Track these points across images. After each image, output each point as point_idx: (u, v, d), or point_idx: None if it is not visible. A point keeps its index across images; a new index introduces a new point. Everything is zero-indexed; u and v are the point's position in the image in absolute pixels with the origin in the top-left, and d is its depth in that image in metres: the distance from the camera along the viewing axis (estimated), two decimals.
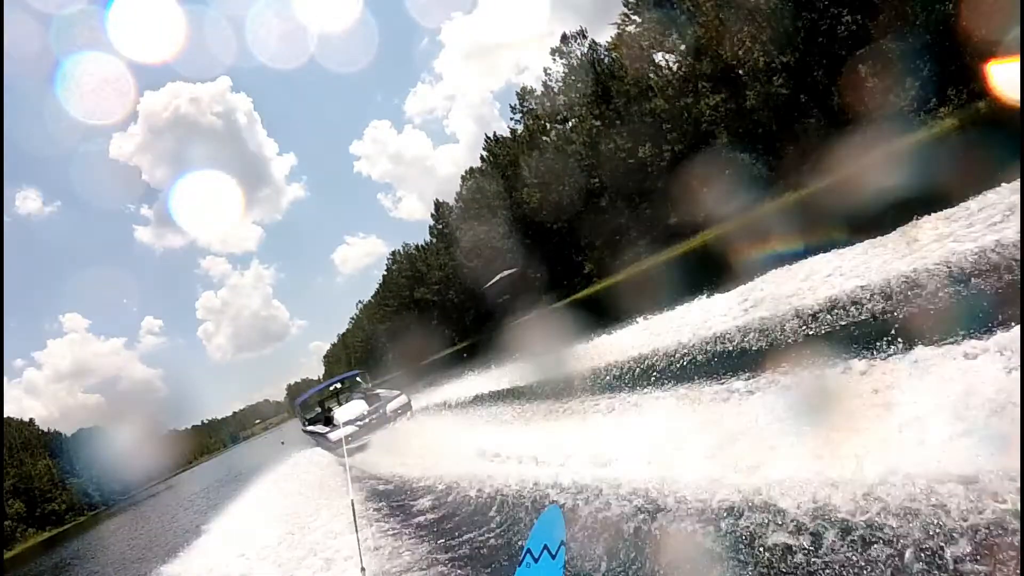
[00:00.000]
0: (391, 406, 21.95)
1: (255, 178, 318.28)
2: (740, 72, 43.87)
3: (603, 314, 21.84)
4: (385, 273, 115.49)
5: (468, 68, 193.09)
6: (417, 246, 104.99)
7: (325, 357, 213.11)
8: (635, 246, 50.88)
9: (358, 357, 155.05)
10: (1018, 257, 6.60)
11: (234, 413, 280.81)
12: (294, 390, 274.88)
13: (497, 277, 73.92)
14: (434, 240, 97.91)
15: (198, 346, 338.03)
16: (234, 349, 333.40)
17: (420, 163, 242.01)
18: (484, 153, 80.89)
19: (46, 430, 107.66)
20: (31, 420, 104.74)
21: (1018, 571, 3.81)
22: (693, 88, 47.32)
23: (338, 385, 28.67)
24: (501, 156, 74.23)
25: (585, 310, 41.82)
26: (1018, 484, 4.22)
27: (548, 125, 65.64)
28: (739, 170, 42.90)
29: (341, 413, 22.02)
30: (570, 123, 63.20)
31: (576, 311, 46.96)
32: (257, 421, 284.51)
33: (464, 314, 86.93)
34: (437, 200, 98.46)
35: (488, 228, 77.80)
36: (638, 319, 13.99)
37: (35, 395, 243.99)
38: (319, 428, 23.15)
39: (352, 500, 7.25)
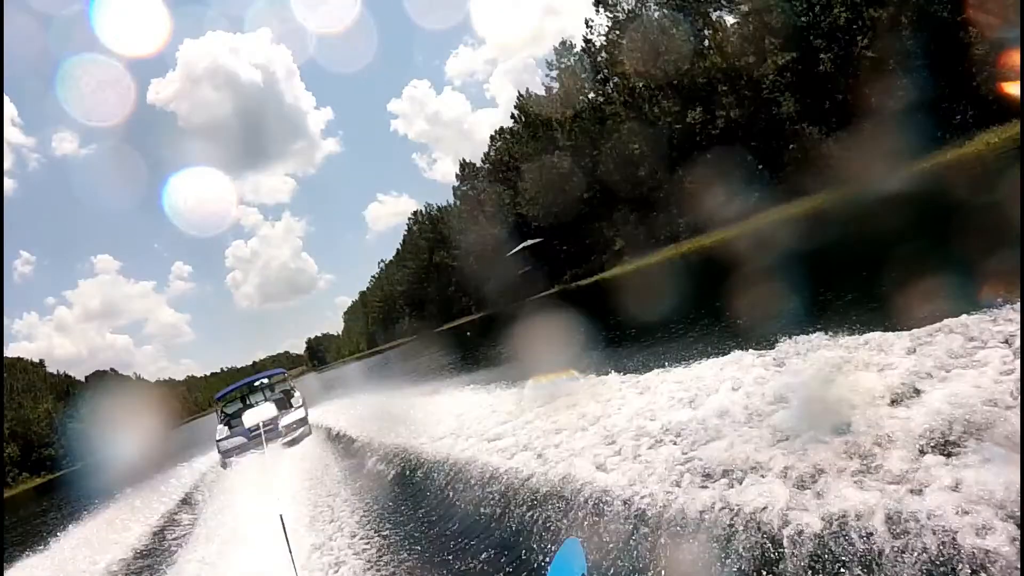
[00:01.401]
0: (285, 420, 19.29)
1: (290, 130, 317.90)
2: (814, 32, 37.79)
3: (626, 315, 19.40)
4: (406, 233, 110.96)
5: (512, 33, 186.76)
6: (440, 207, 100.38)
7: (345, 314, 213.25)
8: (674, 225, 45.34)
9: (375, 317, 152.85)
10: None
11: (254, 363, 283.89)
12: (314, 344, 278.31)
13: (520, 246, 68.91)
14: (458, 202, 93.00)
15: (225, 294, 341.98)
16: (261, 299, 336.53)
17: (457, 125, 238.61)
18: (515, 112, 75.27)
19: (54, 372, 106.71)
20: (40, 361, 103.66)
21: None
22: (757, 46, 41.22)
23: (264, 380, 25.68)
24: (533, 116, 68.52)
25: (610, 297, 36.90)
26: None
27: (586, 85, 59.68)
28: (807, 146, 37.09)
29: (249, 416, 19.67)
30: (611, 83, 57.17)
31: (598, 298, 41.91)
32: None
33: (483, 283, 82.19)
34: (463, 160, 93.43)
35: (514, 193, 72.63)
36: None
37: (64, 333, 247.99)
38: (220, 428, 20.52)
39: (281, 515, 6.46)
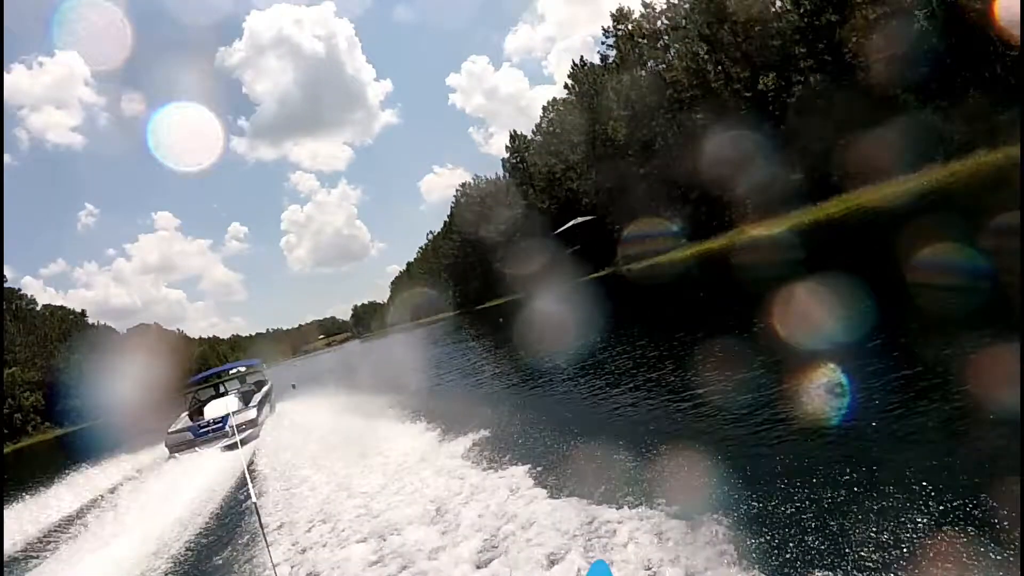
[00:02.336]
0: (235, 419, 17.54)
1: (350, 101, 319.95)
2: None
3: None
4: (453, 205, 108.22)
5: (571, 11, 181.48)
6: (489, 180, 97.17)
7: (392, 284, 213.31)
8: (740, 207, 41.15)
9: (419, 290, 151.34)
10: None
11: (300, 326, 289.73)
12: (360, 311, 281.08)
13: (570, 223, 65.37)
14: (507, 175, 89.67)
15: (279, 256, 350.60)
16: (313, 263, 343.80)
17: (514, 101, 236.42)
18: (569, 81, 71.13)
19: (94, 323, 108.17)
20: (83, 312, 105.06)
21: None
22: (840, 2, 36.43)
23: (241, 369, 25.25)
24: (587, 85, 64.40)
25: (659, 285, 33.43)
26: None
27: (645, 51, 55.11)
28: (905, 120, 32.18)
29: (211, 408, 18.71)
30: (672, 49, 52.53)
31: (646, 285, 38.46)
32: (320, 336, 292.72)
33: (529, 261, 79.04)
34: (513, 131, 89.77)
35: (566, 166, 68.98)
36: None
37: (122, 283, 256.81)
38: (180, 418, 19.42)
39: (255, 504, 6.43)
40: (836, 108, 35.41)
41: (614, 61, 57.18)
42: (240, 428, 16.69)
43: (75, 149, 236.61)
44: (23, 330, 78.26)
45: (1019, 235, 8.02)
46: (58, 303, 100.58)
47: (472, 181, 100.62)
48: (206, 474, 13.85)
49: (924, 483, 4.95)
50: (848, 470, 5.57)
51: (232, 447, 15.47)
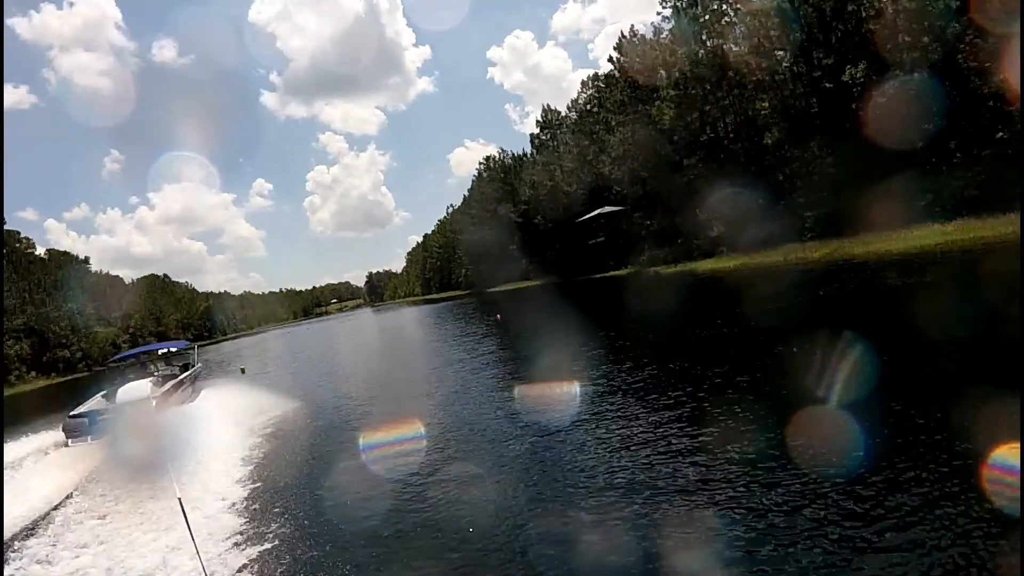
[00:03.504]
0: (130, 395, 16.72)
1: (386, 64, 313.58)
2: None
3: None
4: (475, 178, 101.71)
5: None
6: (515, 156, 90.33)
7: (409, 254, 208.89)
8: (800, 217, 33.93)
9: (433, 263, 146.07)
10: None
11: (313, 287, 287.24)
12: (374, 279, 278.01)
13: (596, 212, 58.53)
14: (535, 152, 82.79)
15: (302, 216, 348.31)
16: (335, 226, 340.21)
17: (555, 82, 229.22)
18: (614, 54, 63.67)
19: (97, 271, 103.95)
20: (86, 259, 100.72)
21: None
22: None
23: (172, 349, 24.08)
24: (635, 59, 56.99)
25: (693, 295, 26.87)
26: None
27: (705, 33, 47.39)
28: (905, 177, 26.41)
29: (124, 391, 17.22)
30: (740, 27, 45.01)
31: (676, 292, 32.07)
32: (334, 300, 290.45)
33: (548, 246, 72.45)
34: (546, 106, 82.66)
35: (599, 148, 61.96)
36: None
37: (143, 232, 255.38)
38: (93, 399, 17.58)
39: (180, 499, 6.45)
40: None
41: (670, 33, 49.62)
42: (133, 414, 15.63)
43: (103, 93, 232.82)
44: (15, 275, 73.43)
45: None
46: (80, 248, 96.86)
47: (497, 155, 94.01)
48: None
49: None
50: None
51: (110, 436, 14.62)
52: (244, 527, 8.31)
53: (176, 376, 20.13)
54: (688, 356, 13.82)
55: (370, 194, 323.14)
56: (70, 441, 15.36)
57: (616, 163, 55.52)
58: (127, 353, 24.04)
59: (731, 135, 42.58)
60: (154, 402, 16.37)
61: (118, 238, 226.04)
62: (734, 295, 22.21)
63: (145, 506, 9.41)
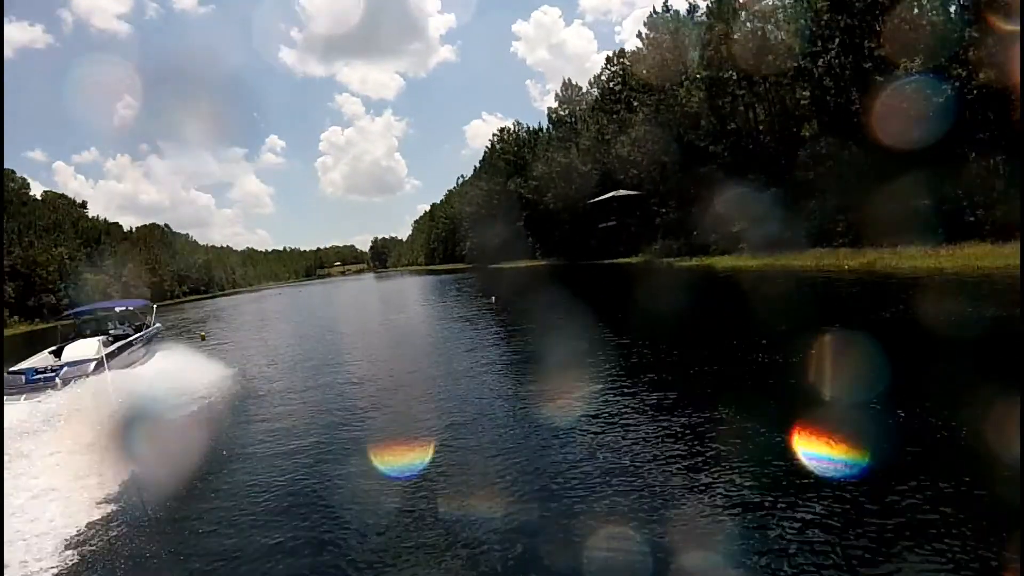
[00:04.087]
0: (76, 353, 15.82)
1: (409, 29, 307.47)
2: None
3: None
4: (487, 149, 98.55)
5: None
6: (530, 129, 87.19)
7: (415, 223, 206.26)
8: (831, 221, 31.07)
9: (438, 234, 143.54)
10: None
11: (318, 249, 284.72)
12: (379, 245, 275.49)
13: (610, 194, 55.75)
14: (550, 127, 79.69)
15: (312, 176, 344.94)
16: (345, 189, 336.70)
17: (579, 61, 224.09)
18: (643, 30, 60.26)
19: (94, 216, 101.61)
20: (83, 203, 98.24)
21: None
22: None
23: (129, 308, 22.88)
24: (666, 36, 53.66)
25: (703, 293, 24.42)
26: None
27: (744, 13, 43.85)
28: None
29: (72, 348, 16.30)
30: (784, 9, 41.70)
31: (685, 289, 29.59)
32: (337, 263, 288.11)
33: (556, 226, 69.76)
34: (567, 79, 79.35)
35: (618, 128, 58.97)
36: None
37: (152, 180, 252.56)
38: (39, 356, 16.80)
39: None
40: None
41: (708, 8, 46.28)
42: (69, 373, 14.93)
43: (119, 38, 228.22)
44: (4, 216, 71.08)
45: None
46: (87, 192, 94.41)
47: (512, 127, 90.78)
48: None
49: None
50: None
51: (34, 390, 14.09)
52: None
53: (127, 336, 19.13)
54: (719, 371, 11.81)
55: (383, 159, 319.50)
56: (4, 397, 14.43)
57: (635, 145, 52.61)
58: (84, 308, 22.66)
59: (762, 126, 39.65)
60: (93, 365, 15.47)
61: (126, 184, 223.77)
62: (768, 301, 19.75)
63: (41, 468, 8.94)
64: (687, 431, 8.32)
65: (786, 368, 10.89)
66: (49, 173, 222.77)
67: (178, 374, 17.45)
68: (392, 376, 14.93)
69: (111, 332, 19.56)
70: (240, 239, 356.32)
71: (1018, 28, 22.60)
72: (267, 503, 7.56)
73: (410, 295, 52.68)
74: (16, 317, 65.87)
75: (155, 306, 24.02)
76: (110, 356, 16.35)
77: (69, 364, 15.51)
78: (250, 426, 11.81)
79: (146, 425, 11.33)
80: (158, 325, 22.43)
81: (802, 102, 34.83)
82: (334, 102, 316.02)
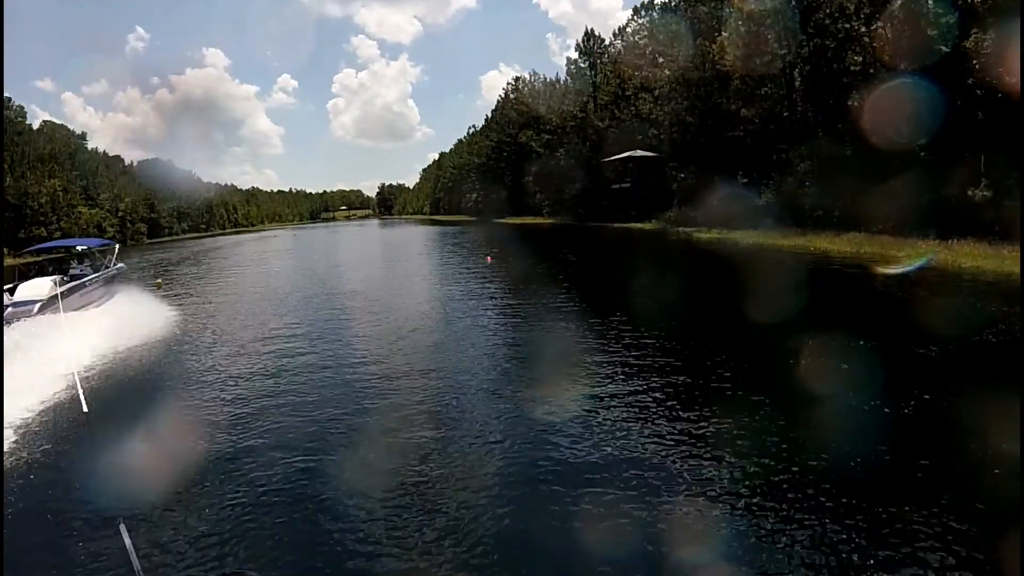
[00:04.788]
0: (28, 292, 15.46)
1: None
2: None
3: None
4: (500, 99, 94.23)
5: None
6: (546, 80, 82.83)
7: (423, 171, 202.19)
8: (887, 202, 27.44)
9: (445, 183, 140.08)
10: None
11: (324, 191, 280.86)
12: (385, 191, 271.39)
13: (626, 154, 52.37)
14: (568, 80, 75.44)
15: (324, 118, 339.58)
16: (356, 133, 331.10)
17: (602, 18, 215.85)
18: None
19: (95, 148, 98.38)
20: (83, 134, 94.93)
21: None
22: None
23: (90, 247, 22.14)
24: None
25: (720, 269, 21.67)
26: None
27: None
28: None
29: (25, 287, 15.84)
30: None
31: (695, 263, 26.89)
32: (343, 207, 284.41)
33: (566, 184, 66.41)
34: (589, 28, 74.86)
35: (642, 85, 55.18)
36: None
37: (161, 115, 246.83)
38: None
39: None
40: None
41: None
42: (19, 313, 14.61)
43: None
44: None
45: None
46: (96, 124, 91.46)
47: (528, 76, 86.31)
48: None
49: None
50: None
51: None
52: None
53: (82, 277, 18.74)
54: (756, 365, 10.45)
55: (395, 105, 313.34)
56: None
57: (659, 103, 48.99)
58: (44, 245, 23.08)
59: (803, 90, 36.07)
60: (38, 305, 15.19)
61: (135, 118, 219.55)
62: (814, 293, 16.87)
63: None
64: (693, 436, 7.49)
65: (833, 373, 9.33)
66: (58, 104, 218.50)
67: (133, 318, 16.74)
68: (354, 355, 12.69)
69: (72, 271, 19.17)
70: (248, 178, 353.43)
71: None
72: (195, 463, 7.10)
73: (412, 246, 51.21)
74: (5, 250, 63.51)
75: (117, 246, 23.34)
76: (64, 296, 15.93)
77: (16, 304, 15.08)
78: (188, 377, 11.41)
79: (84, 372, 10.90)
80: (121, 266, 21.91)
81: (852, 67, 31.19)
82: (349, 44, 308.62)
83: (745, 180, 38.52)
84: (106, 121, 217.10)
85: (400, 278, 27.58)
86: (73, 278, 18.12)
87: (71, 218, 73.74)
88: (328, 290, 23.77)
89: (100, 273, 19.70)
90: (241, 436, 8.02)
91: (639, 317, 13.81)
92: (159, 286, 25.79)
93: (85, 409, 7.98)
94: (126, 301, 19.72)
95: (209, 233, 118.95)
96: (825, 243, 27.16)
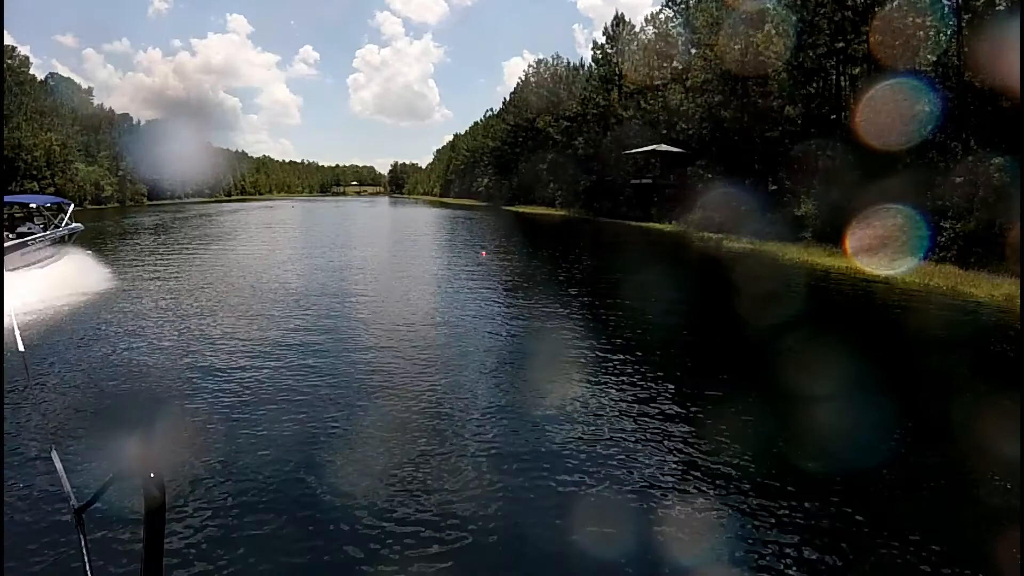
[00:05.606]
0: None
1: None
2: None
3: None
4: (520, 81, 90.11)
5: None
6: (570, 65, 78.67)
7: (436, 152, 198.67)
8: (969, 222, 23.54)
9: (457, 166, 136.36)
10: None
11: (337, 165, 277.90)
12: (397, 170, 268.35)
13: (651, 147, 48.49)
14: (593, 65, 71.26)
15: (343, 92, 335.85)
16: (374, 109, 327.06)
17: (632, 13, 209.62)
18: None
19: (99, 104, 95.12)
20: (89, 89, 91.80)
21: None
22: None
23: (46, 204, 21.56)
24: None
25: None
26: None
27: None
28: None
29: None
30: None
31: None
32: (354, 183, 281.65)
33: (582, 175, 62.57)
34: (619, 12, 70.52)
35: (673, 76, 51.27)
36: None
37: (181, 77, 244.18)
38: None
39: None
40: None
41: None
42: None
43: None
44: None
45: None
46: (115, 82, 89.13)
47: (550, 60, 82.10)
48: None
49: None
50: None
51: None
52: None
53: (30, 234, 18.49)
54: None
55: (416, 84, 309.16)
56: None
57: (691, 94, 45.04)
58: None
59: (856, 86, 32.18)
60: None
61: (154, 79, 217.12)
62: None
63: None
64: None
65: None
66: (79, 59, 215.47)
67: (76, 280, 16.57)
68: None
69: (18, 230, 18.84)
70: (263, 147, 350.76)
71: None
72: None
73: (413, 226, 47.96)
74: None
75: (72, 206, 22.64)
76: (5, 252, 15.62)
77: None
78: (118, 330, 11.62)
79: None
80: (77, 226, 21.28)
81: (923, 68, 27.21)
82: (374, 19, 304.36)
83: (780, 186, 34.73)
84: (125, 80, 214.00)
85: (374, 278, 24.07)
86: (19, 236, 17.86)
87: (66, 174, 70.36)
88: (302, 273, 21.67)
89: (48, 233, 19.10)
90: (166, 375, 8.80)
91: (672, 354, 10.50)
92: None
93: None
94: (79, 261, 19.25)
95: (213, 199, 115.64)
96: (887, 269, 22.89)
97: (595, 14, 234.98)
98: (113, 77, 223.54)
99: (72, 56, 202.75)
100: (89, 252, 21.38)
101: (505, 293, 17.86)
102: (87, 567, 1.15)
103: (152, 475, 0.94)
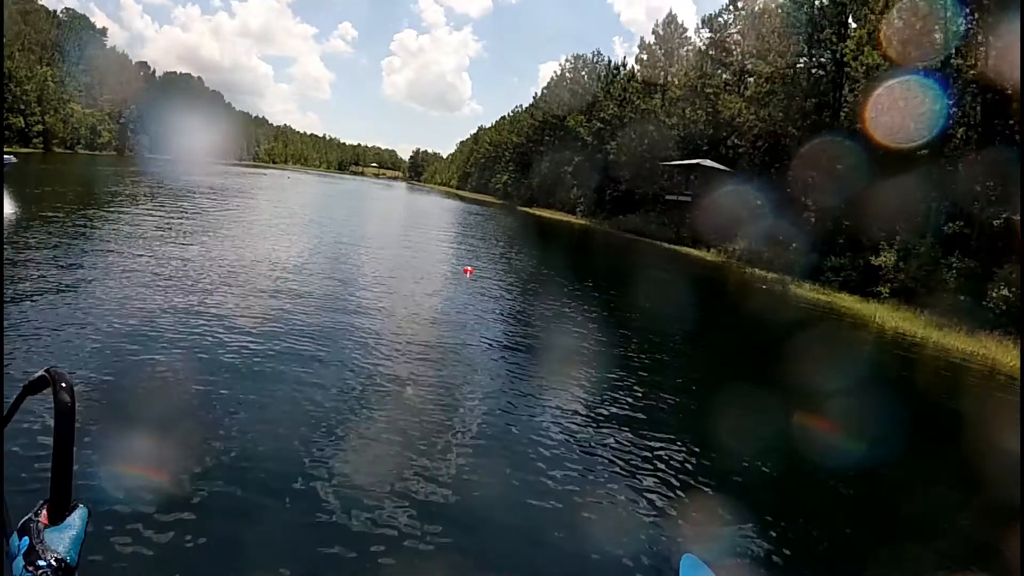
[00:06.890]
0: None
1: None
2: None
3: None
4: (555, 75, 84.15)
5: None
6: (611, 64, 72.63)
7: (459, 143, 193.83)
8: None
9: (478, 159, 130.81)
10: None
11: (359, 144, 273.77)
12: (418, 157, 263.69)
13: (693, 160, 42.55)
14: (635, 67, 65.26)
15: (377, 74, 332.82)
16: (406, 95, 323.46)
17: (678, 24, 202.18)
18: None
19: (115, 47, 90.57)
20: (103, 29, 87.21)
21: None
22: None
23: None
24: None
25: None
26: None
27: None
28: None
29: None
30: None
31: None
32: (374, 164, 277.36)
33: (611, 183, 56.64)
34: (672, 12, 64.83)
35: (725, 84, 45.35)
36: None
37: (218, 38, 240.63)
38: None
39: None
40: None
41: None
42: None
43: None
44: None
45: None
46: (150, 33, 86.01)
47: (590, 55, 76.11)
48: None
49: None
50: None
51: None
52: None
53: None
54: None
55: (450, 75, 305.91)
56: None
57: (749, 105, 39.01)
58: None
59: (972, 107, 26.06)
60: None
61: (190, 35, 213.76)
62: None
63: None
64: None
65: None
66: (116, 6, 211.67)
67: None
68: None
69: None
70: (290, 118, 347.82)
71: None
72: None
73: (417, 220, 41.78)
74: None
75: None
76: None
77: None
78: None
79: None
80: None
81: None
82: (416, 5, 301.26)
83: (856, 223, 28.68)
84: (161, 33, 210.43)
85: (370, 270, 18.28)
86: None
87: (59, 114, 65.31)
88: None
89: None
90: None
91: None
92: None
93: None
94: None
95: (223, 162, 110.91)
96: (998, 351, 16.43)
97: (637, 28, 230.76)
98: (149, 28, 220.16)
99: (108, 2, 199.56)
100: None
101: (476, 326, 12.03)
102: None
103: (63, 383, 0.97)
